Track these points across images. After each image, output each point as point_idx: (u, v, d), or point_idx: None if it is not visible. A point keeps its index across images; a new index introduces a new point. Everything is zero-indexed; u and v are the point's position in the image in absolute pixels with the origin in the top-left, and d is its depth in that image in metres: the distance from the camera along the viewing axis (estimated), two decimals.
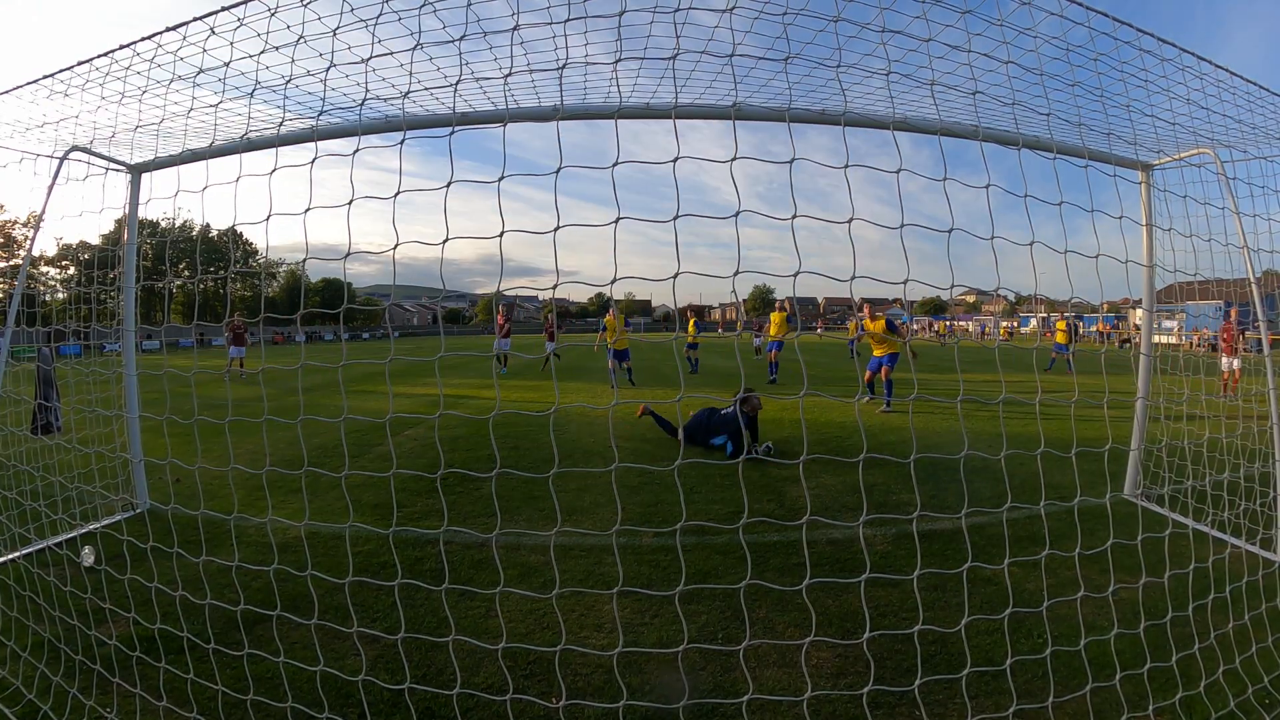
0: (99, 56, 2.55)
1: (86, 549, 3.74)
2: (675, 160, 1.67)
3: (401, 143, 2.01)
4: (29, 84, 2.86)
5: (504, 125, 2.13)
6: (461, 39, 2.07)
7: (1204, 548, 2.70)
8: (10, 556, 3.50)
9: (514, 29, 1.99)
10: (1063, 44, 2.45)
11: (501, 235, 1.68)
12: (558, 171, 1.70)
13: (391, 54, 2.34)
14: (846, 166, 1.80)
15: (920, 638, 2.00)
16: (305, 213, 1.94)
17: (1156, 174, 4.29)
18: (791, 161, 1.72)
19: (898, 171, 1.86)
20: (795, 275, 1.68)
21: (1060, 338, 17.08)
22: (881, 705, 2.28)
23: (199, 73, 2.43)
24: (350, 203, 1.91)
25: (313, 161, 2.03)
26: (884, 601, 3.06)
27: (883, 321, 9.53)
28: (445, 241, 1.73)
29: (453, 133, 1.99)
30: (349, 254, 1.88)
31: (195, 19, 2.21)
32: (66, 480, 3.83)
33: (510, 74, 2.22)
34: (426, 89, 2.88)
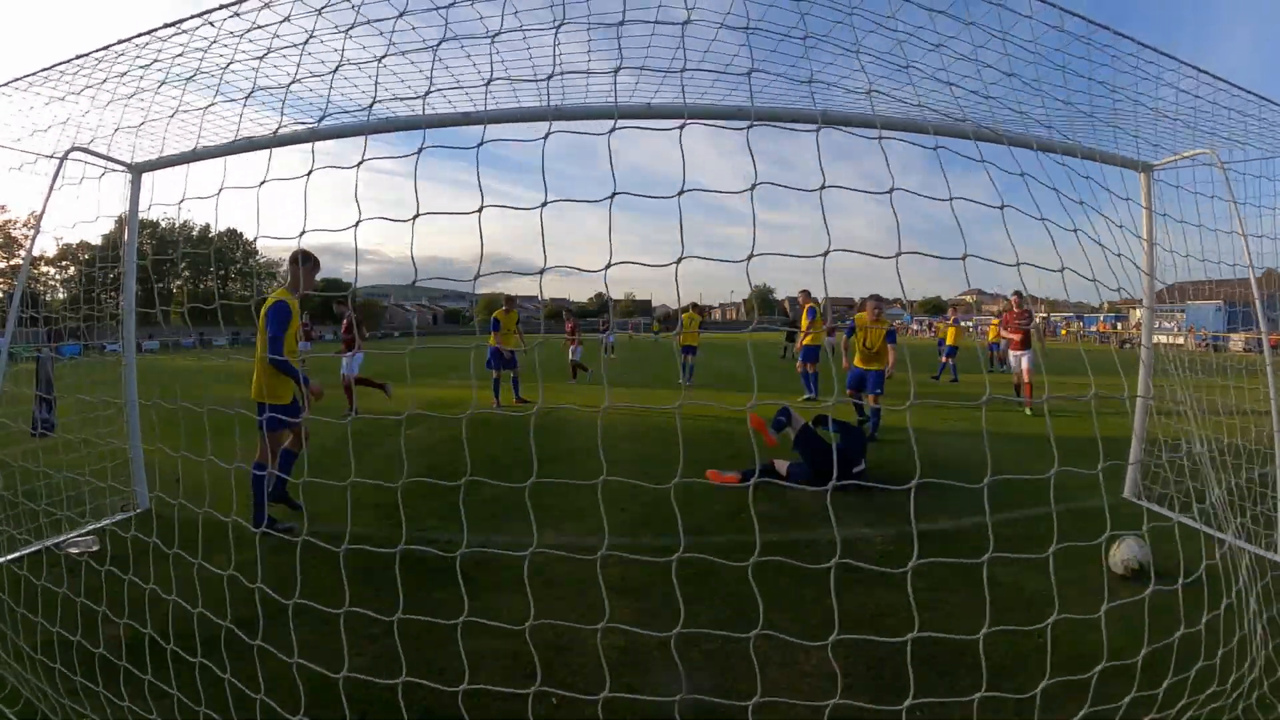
0: (99, 50, 2.53)
1: (89, 539, 3.75)
2: (681, 127, 1.65)
3: (420, 149, 2.00)
4: (28, 76, 2.84)
5: (504, 125, 2.12)
6: (462, 39, 2.07)
7: (1204, 549, 2.69)
8: (8, 557, 3.49)
9: (517, 28, 1.98)
10: (1064, 54, 2.46)
11: (480, 210, 1.65)
12: (546, 136, 1.67)
13: (397, 54, 2.33)
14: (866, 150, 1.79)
15: (921, 639, 1.99)
16: (303, 198, 1.92)
17: (1157, 174, 4.28)
18: (817, 141, 1.72)
19: (903, 172, 1.84)
20: (825, 253, 1.64)
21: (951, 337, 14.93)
22: (882, 705, 2.26)
23: (197, 71, 2.42)
24: (355, 189, 1.89)
25: (312, 155, 2.02)
26: (884, 601, 3.05)
27: (885, 329, 7.42)
28: (416, 217, 1.71)
29: (452, 129, 1.98)
30: (355, 250, 1.87)
31: (194, 15, 2.20)
32: (64, 481, 3.82)
33: (508, 75, 2.22)
34: (433, 88, 2.87)
